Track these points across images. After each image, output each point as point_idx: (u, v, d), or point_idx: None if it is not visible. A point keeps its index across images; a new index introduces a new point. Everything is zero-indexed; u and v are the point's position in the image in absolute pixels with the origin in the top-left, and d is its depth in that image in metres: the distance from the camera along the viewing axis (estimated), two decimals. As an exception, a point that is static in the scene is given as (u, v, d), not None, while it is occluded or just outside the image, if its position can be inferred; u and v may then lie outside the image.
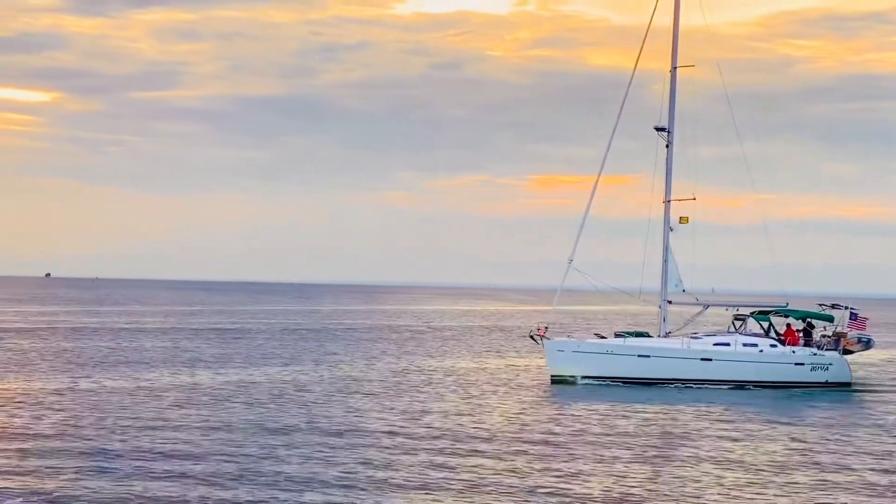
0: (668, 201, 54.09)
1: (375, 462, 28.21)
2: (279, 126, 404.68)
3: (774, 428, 37.29)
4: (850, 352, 53.38)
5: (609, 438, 33.50)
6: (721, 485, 26.50)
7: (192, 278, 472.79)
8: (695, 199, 53.89)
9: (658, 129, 53.96)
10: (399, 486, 25.37)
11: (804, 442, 34.18)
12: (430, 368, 57.75)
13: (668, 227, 54.01)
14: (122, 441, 30.89)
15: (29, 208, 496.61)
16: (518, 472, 27.29)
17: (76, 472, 26.19)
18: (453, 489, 25.15)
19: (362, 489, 24.90)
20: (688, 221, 53.58)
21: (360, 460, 28.42)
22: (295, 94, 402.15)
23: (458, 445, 31.27)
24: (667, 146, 53.97)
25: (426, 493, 24.66)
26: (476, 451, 30.43)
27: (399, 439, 32.16)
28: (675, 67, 53.95)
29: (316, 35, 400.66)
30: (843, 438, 35.24)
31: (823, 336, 53.48)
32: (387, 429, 34.31)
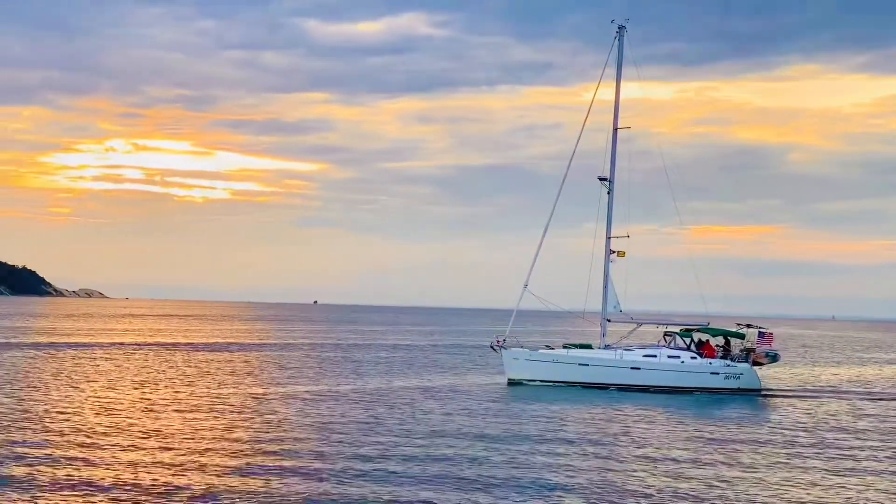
0: (609, 238, 61.76)
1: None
2: (492, 188, 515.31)
3: (688, 421, 43.88)
4: (760, 364, 59.97)
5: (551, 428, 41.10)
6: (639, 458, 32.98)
7: (423, 305, 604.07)
8: (629, 236, 61.59)
9: (601, 179, 61.83)
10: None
11: (712, 433, 39.98)
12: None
13: (608, 259, 61.71)
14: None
15: (305, 250, 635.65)
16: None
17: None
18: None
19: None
20: (624, 255, 61.13)
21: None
22: (505, 164, 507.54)
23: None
24: (608, 193, 61.82)
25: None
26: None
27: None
28: (616, 129, 62.10)
29: (521, 118, 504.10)
30: (746, 427, 41.99)
31: (739, 350, 59.93)
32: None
